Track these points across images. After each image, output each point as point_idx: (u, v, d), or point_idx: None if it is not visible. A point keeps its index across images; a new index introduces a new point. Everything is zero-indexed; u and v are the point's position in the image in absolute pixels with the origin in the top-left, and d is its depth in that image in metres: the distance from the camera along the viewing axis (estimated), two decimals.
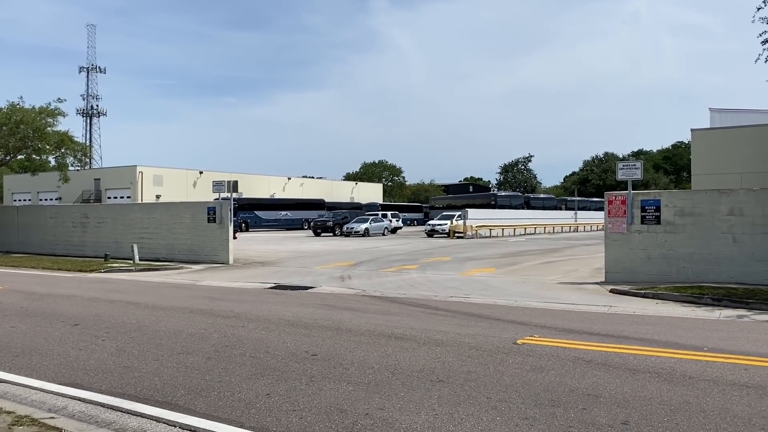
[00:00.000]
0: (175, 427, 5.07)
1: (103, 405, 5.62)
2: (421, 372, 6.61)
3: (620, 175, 15.81)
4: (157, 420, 5.21)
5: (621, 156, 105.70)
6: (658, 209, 15.18)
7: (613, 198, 15.84)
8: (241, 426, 5.02)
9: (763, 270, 13.99)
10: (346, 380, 6.31)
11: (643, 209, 15.37)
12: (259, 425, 5.03)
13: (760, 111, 29.14)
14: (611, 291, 13.96)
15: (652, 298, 12.92)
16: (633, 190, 15.67)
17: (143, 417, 5.30)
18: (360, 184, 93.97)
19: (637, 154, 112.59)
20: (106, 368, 6.97)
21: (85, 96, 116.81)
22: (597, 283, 15.35)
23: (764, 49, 15.50)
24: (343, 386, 6.09)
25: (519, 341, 8.17)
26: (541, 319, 10.14)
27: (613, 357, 7.23)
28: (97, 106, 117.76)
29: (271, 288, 15.33)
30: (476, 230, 44.14)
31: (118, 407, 5.55)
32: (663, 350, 7.58)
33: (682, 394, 5.72)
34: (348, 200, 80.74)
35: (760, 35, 15.44)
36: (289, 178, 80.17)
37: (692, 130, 26.42)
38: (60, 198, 64.87)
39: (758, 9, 15.34)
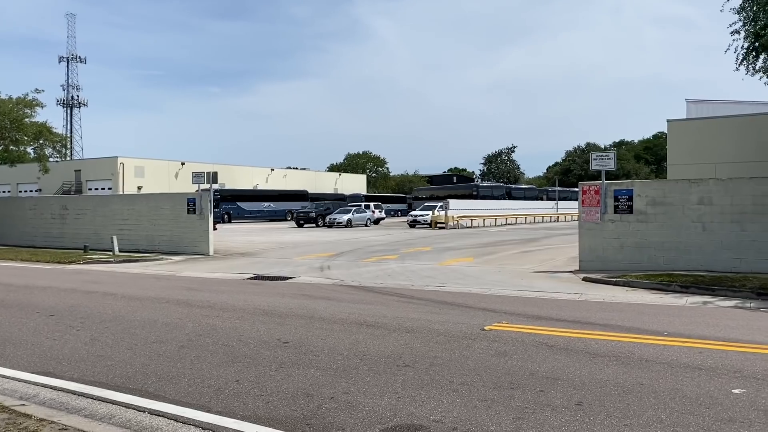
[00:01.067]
0: (144, 412, 5.20)
1: (73, 392, 5.74)
2: (389, 358, 6.79)
3: (594, 166, 16.08)
4: (127, 406, 5.34)
5: (603, 146, 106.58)
6: (630, 199, 15.47)
7: (587, 188, 16.11)
8: (209, 410, 5.17)
9: (731, 258, 14.35)
10: (315, 366, 6.47)
11: (616, 199, 15.65)
12: (226, 409, 5.18)
13: (735, 102, 29.57)
14: (584, 279, 14.23)
15: (623, 285, 13.21)
16: (608, 180, 15.94)
17: (113, 403, 5.42)
18: (344, 175, 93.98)
19: (619, 145, 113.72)
20: (79, 357, 7.07)
21: (65, 86, 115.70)
22: (571, 272, 15.63)
23: (734, 40, 15.80)
24: (312, 372, 6.25)
25: (487, 327, 8.38)
26: (512, 307, 10.37)
27: (576, 342, 7.47)
28: (78, 96, 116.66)
29: (249, 279, 15.44)
30: (458, 221, 44.42)
31: (89, 394, 5.67)
32: (625, 335, 7.83)
33: (636, 376, 5.95)
34: (332, 191, 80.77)
35: (730, 26, 15.72)
36: (272, 169, 80.00)
37: (668, 120, 26.78)
38: (40, 189, 64.23)
39: (727, 0, 15.64)
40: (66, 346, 7.69)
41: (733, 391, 5.45)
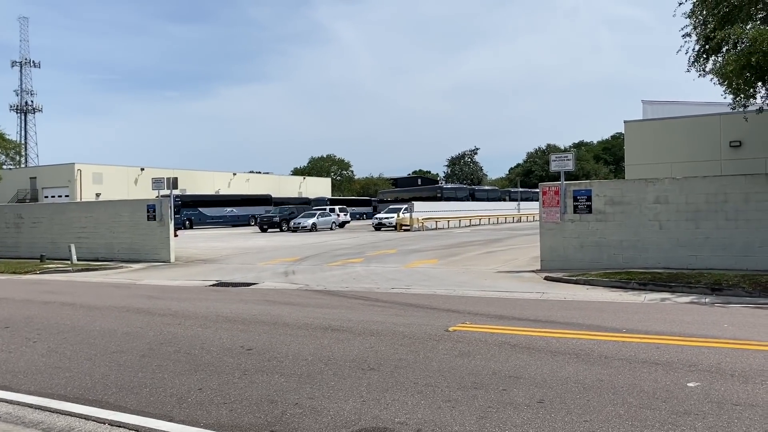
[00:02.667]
0: (104, 424, 5.10)
1: (30, 406, 5.60)
2: (354, 361, 6.80)
3: (553, 167, 16.36)
4: (86, 418, 5.23)
5: (563, 147, 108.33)
6: (589, 199, 15.79)
7: (547, 189, 16.38)
8: (171, 420, 5.10)
9: (687, 254, 14.75)
10: (279, 372, 6.44)
11: (575, 199, 15.95)
12: (189, 418, 5.12)
13: (690, 103, 30.37)
14: (546, 278, 14.46)
15: (584, 284, 13.46)
16: (567, 180, 16.24)
17: (72, 416, 5.30)
18: (308, 178, 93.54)
19: (579, 146, 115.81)
20: (36, 369, 6.90)
21: (18, 91, 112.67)
22: (533, 271, 15.87)
23: (685, 42, 16.24)
24: (276, 378, 6.22)
25: (451, 328, 8.45)
26: (476, 307, 10.48)
27: (538, 340, 7.59)
28: (32, 102, 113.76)
29: (212, 285, 15.26)
30: (423, 223, 44.65)
31: (47, 407, 5.53)
32: (585, 333, 7.99)
33: (596, 372, 6.08)
34: (296, 195, 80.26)
35: (682, 29, 16.16)
36: (234, 174, 79.13)
37: (625, 121, 27.38)
38: None
39: (679, 4, 16.08)
40: (22, 358, 7.48)
41: (688, 384, 5.62)
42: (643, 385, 5.64)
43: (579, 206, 15.89)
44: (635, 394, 5.36)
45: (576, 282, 13.66)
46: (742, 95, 14.28)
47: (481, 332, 8.22)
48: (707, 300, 11.03)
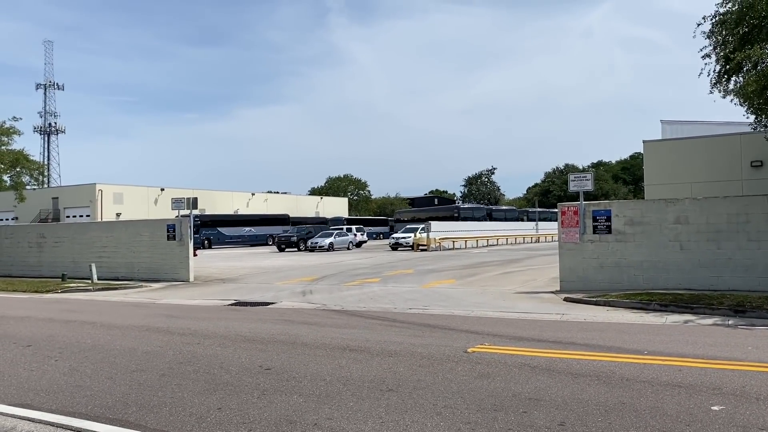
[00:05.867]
0: None
1: (52, 424, 5.64)
2: (372, 382, 6.78)
3: (572, 187, 16.29)
4: None
5: (581, 167, 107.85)
6: (608, 219, 15.68)
7: (566, 209, 16.30)
8: None
9: (708, 276, 14.56)
10: (297, 392, 6.44)
11: (594, 219, 15.85)
12: None
13: (709, 122, 30.20)
14: (565, 299, 14.33)
15: (604, 305, 13.32)
16: (586, 200, 16.15)
17: None
18: (325, 198, 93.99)
19: (597, 165, 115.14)
20: (57, 388, 6.96)
21: (42, 113, 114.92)
22: (552, 292, 15.74)
23: (706, 64, 16.19)
24: (295, 398, 6.22)
25: (470, 350, 8.40)
26: (494, 328, 10.41)
27: (558, 362, 7.51)
28: (56, 123, 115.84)
29: (230, 305, 15.32)
30: (440, 242, 44.56)
31: (68, 426, 5.57)
32: (606, 354, 7.90)
33: (618, 395, 6.00)
34: (313, 215, 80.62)
35: (701, 50, 16.12)
36: (252, 194, 79.77)
37: (644, 141, 27.29)
38: (17, 218, 63.33)
39: (698, 25, 16.06)
40: (44, 376, 7.56)
41: (712, 408, 5.52)
42: (666, 408, 5.56)
43: (598, 226, 15.78)
44: (658, 418, 5.29)
45: (596, 303, 13.52)
46: (764, 115, 14.17)
47: (500, 354, 8.16)
48: (731, 322, 10.85)
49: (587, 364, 7.34)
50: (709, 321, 11.00)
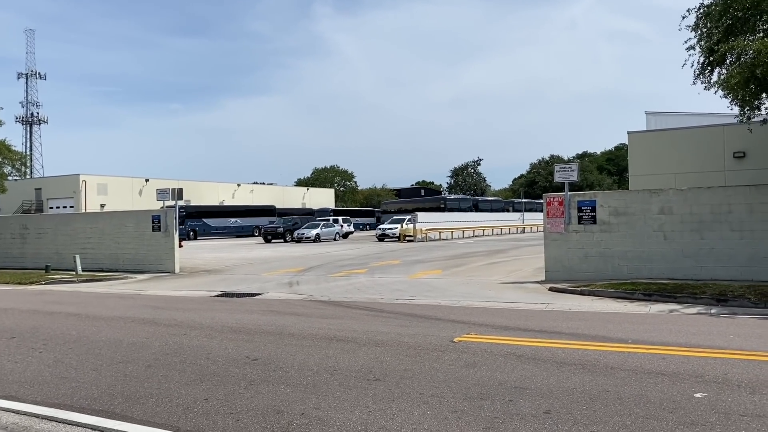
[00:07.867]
0: None
1: (37, 416, 5.60)
2: (359, 372, 6.80)
3: (557, 178, 16.37)
4: (92, 428, 5.23)
5: (566, 158, 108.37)
6: (593, 209, 15.79)
7: (552, 199, 16.39)
8: (177, 430, 5.10)
9: (692, 265, 14.72)
10: (284, 382, 6.44)
11: (579, 210, 15.95)
12: (195, 428, 5.12)
13: (693, 114, 30.41)
14: (550, 289, 14.44)
15: (588, 295, 13.44)
16: (572, 191, 16.25)
17: (78, 426, 5.31)
18: (311, 189, 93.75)
19: (582, 156, 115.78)
20: (42, 380, 6.91)
21: (24, 103, 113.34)
22: (537, 282, 15.85)
23: (690, 56, 16.29)
24: (282, 388, 6.22)
25: (456, 339, 8.45)
26: (480, 318, 10.47)
27: (543, 351, 7.58)
28: (38, 113, 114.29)
29: (216, 296, 15.27)
30: (426, 233, 44.66)
31: (53, 417, 5.54)
32: (591, 343, 7.98)
33: (602, 383, 6.07)
34: (300, 206, 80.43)
35: (686, 42, 16.21)
36: (238, 185, 79.37)
37: (629, 132, 27.42)
38: None
39: (683, 18, 16.14)
40: (28, 368, 7.50)
41: (694, 395, 5.60)
42: (649, 395, 5.63)
43: (583, 217, 15.88)
44: (642, 405, 5.35)
45: (581, 293, 13.64)
46: (748, 107, 14.30)
47: (486, 343, 8.21)
48: (713, 311, 11.00)
49: (572, 353, 7.41)
50: (693, 310, 11.14)
